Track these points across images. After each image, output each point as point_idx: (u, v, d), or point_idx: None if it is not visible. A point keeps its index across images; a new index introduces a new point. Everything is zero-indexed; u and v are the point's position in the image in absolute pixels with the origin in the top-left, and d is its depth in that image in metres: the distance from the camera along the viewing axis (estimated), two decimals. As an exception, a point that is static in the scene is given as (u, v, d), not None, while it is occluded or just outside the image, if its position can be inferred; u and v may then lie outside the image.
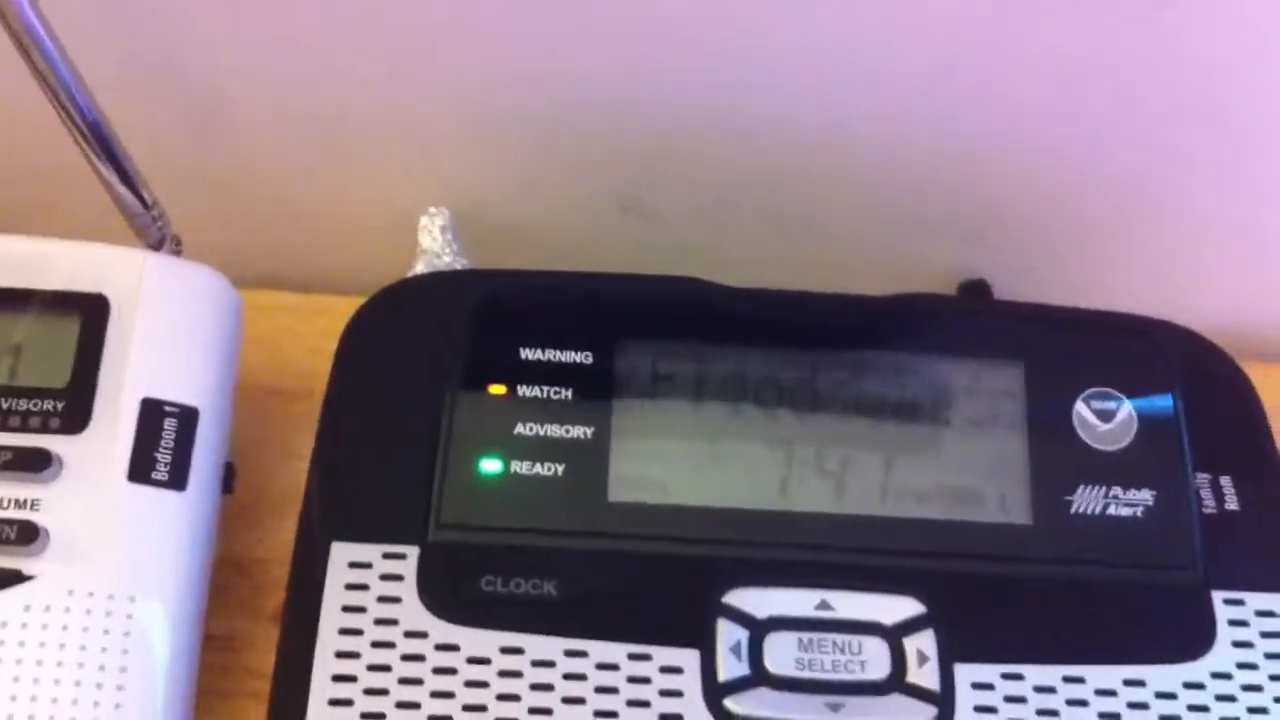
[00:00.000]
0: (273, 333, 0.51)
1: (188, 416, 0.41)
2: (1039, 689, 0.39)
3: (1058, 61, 0.48)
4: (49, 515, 0.39)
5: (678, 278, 0.44)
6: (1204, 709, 0.39)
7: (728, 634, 0.39)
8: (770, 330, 0.44)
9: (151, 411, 0.40)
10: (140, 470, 0.40)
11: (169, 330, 0.42)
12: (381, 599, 0.39)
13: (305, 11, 0.48)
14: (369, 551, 0.39)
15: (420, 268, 0.51)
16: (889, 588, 0.40)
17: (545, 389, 0.42)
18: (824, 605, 0.40)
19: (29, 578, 0.38)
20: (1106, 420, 0.43)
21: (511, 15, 0.48)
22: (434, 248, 0.51)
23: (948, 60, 0.48)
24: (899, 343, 0.44)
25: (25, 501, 0.39)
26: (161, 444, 0.40)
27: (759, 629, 0.39)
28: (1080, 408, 0.43)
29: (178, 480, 0.40)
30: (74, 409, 0.40)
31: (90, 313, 0.41)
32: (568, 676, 0.38)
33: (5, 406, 0.40)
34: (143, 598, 0.39)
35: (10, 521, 0.38)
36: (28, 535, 0.38)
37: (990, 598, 0.41)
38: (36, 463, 0.39)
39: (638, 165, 0.54)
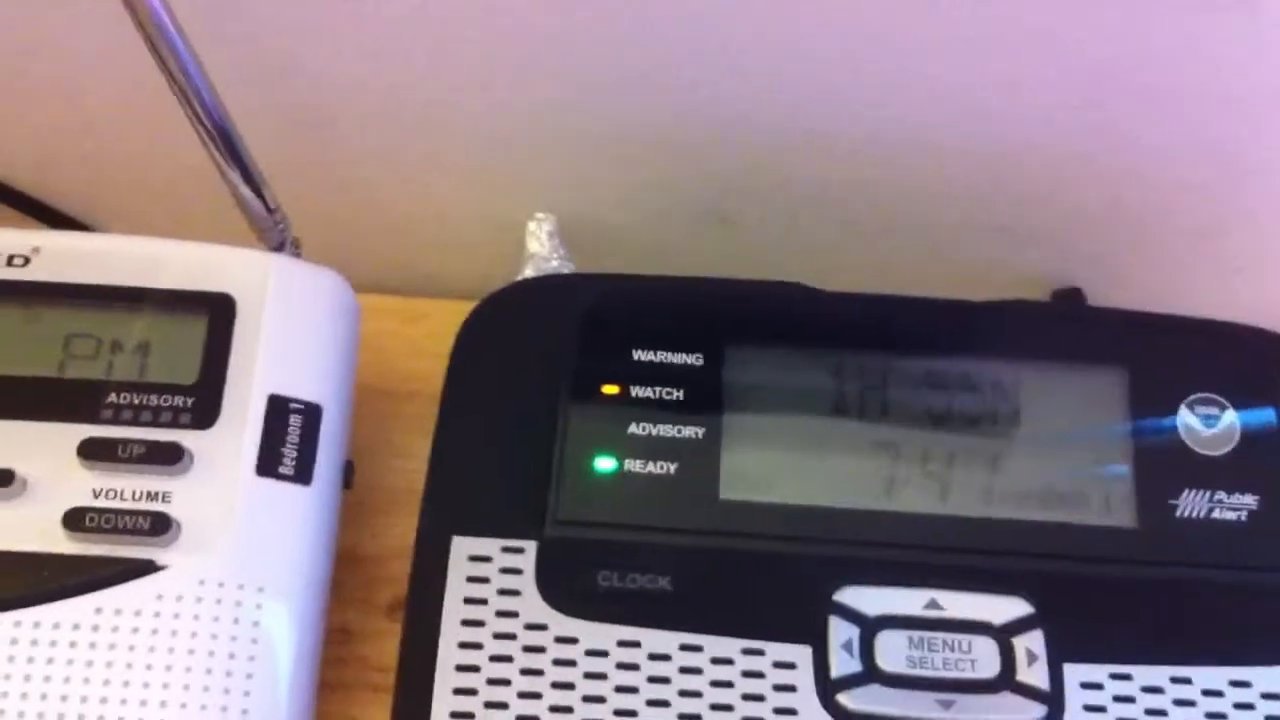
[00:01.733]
0: (377, 336, 0.52)
1: (312, 413, 0.42)
2: (1147, 689, 0.40)
3: (1142, 67, 0.48)
4: (180, 507, 0.40)
5: (785, 282, 0.45)
6: (1311, 711, 0.40)
7: (839, 631, 0.40)
8: (875, 333, 0.45)
9: (277, 407, 0.42)
10: (267, 464, 0.41)
11: (293, 329, 0.43)
12: (502, 592, 0.40)
13: (415, 19, 0.49)
14: (489, 546, 0.40)
15: (529, 271, 0.52)
16: (997, 588, 0.41)
17: (657, 390, 0.43)
18: (933, 604, 0.40)
19: (161, 568, 0.39)
20: (1210, 425, 0.44)
21: (615, 33, 0.49)
22: (542, 252, 0.52)
23: (1031, 70, 0.49)
24: (1004, 347, 0.45)
25: (157, 494, 0.40)
26: (287, 439, 0.41)
27: (870, 627, 0.40)
28: (1184, 413, 0.44)
29: (303, 474, 0.41)
30: (203, 405, 0.41)
31: (217, 312, 0.42)
32: (684, 670, 0.39)
33: (137, 402, 0.41)
34: (270, 588, 0.40)
35: (144, 513, 0.39)
36: (160, 526, 0.39)
37: (1097, 599, 0.41)
38: (168, 456, 0.40)
39: (729, 175, 0.55)
